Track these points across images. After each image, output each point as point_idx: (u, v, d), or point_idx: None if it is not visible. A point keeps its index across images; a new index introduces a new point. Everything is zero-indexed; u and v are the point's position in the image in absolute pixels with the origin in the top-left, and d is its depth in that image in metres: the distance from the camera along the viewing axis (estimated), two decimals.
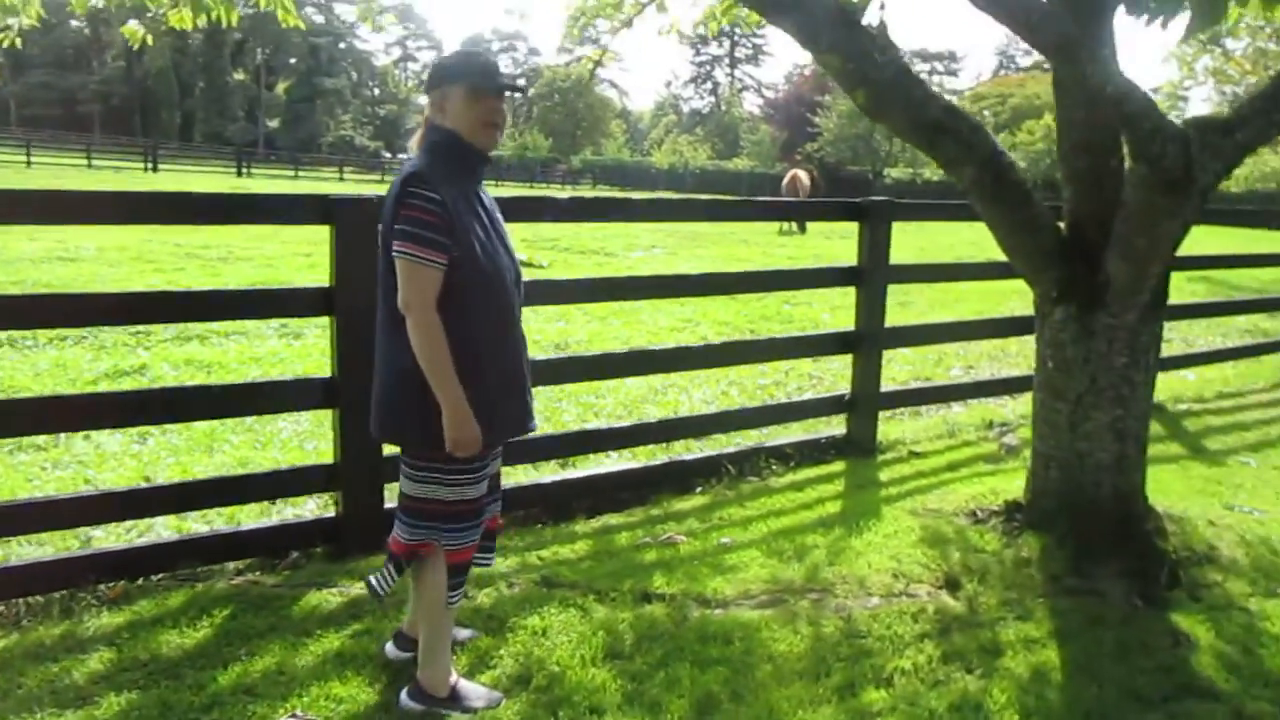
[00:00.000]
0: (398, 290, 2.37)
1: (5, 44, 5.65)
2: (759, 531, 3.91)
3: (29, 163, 34.93)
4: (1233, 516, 4.11)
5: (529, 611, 3.14)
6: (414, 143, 2.58)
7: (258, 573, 3.42)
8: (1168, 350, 8.36)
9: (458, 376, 2.38)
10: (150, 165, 38.52)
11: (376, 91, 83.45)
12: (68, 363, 6.49)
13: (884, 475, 4.68)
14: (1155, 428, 5.73)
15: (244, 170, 42.59)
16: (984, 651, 2.97)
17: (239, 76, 70.09)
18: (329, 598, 3.22)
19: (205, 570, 3.41)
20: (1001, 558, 3.56)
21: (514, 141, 68.36)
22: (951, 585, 3.39)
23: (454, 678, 2.66)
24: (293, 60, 74.15)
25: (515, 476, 4.43)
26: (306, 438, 5.11)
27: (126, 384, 6.17)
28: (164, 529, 3.81)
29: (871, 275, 4.83)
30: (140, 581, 3.31)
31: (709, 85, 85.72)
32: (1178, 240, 3.43)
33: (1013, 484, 4.18)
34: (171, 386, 5.31)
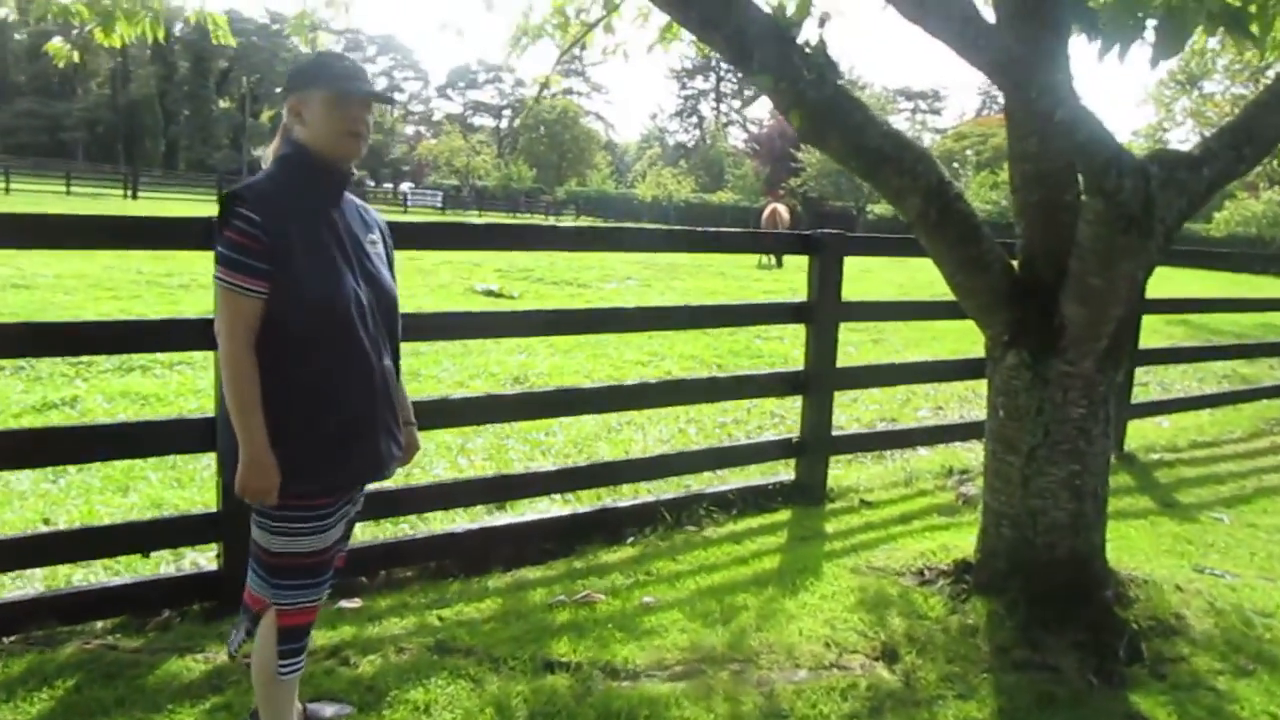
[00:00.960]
0: None
1: (62, 63, 5.51)
2: (686, 589, 3.59)
3: (7, 189, 34.58)
4: (1203, 580, 3.81)
5: (413, 683, 2.81)
6: (268, 154, 2.29)
7: (118, 635, 3.07)
8: (1142, 395, 8.17)
9: (281, 419, 2.11)
10: (130, 193, 38.18)
11: None
12: None
13: (830, 526, 4.36)
14: (1124, 479, 5.47)
15: None
16: None
17: (224, 104, 69.97)
18: (191, 665, 2.87)
19: (65, 631, 3.07)
20: (946, 625, 3.24)
21: (499, 172, 68.45)
22: (889, 656, 3.07)
23: None
24: (279, 89, 73.98)
25: (430, 524, 4.12)
26: None
27: (54, 417, 5.84)
28: (36, 583, 3.46)
29: (821, 312, 4.54)
30: None
31: (694, 119, 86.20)
32: (1139, 282, 3.17)
33: (966, 540, 3.87)
34: (38, 428, 4.95)
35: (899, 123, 75.90)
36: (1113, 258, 2.95)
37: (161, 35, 5.35)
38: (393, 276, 2.43)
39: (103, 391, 6.42)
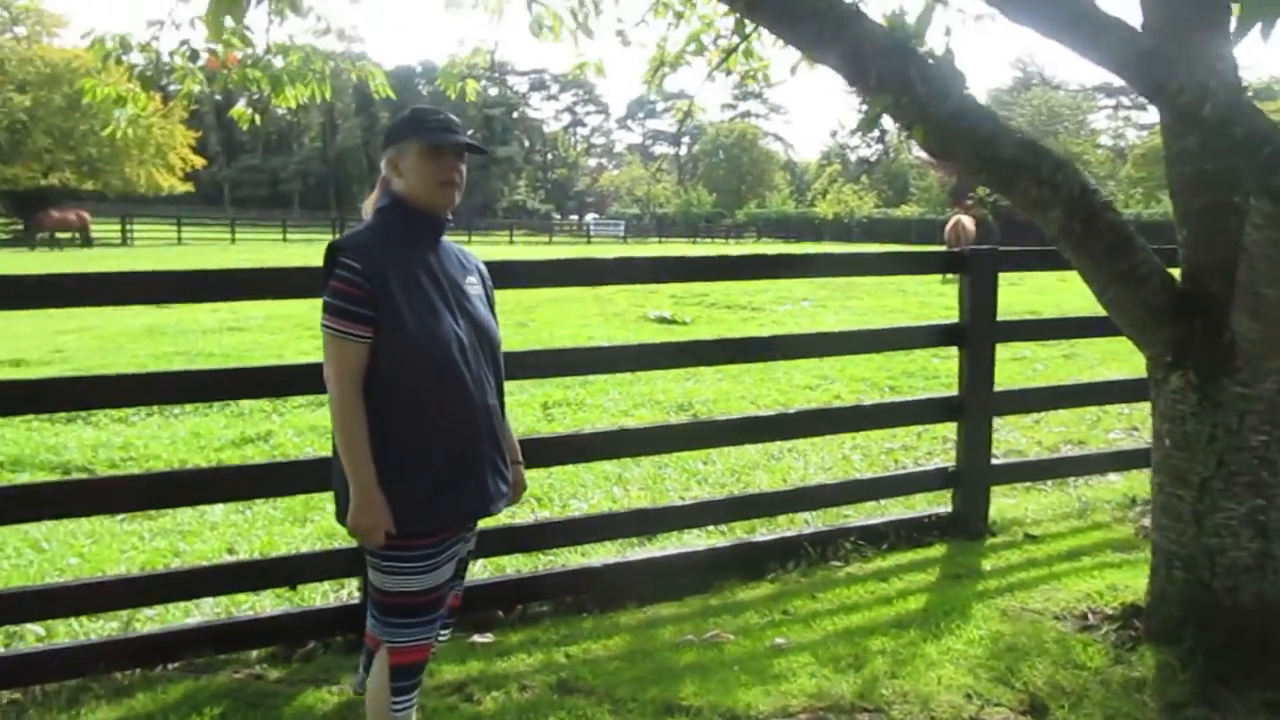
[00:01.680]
0: None
1: (245, 126, 6.08)
2: (822, 630, 3.42)
3: (233, 239, 38.15)
4: None
5: None
6: (367, 205, 2.40)
7: (266, 665, 3.23)
8: None
9: (388, 459, 2.19)
10: (339, 234, 41.20)
11: (548, 157, 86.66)
12: (202, 430, 6.71)
13: (987, 563, 4.07)
14: None
15: None
16: None
17: None
18: (326, 697, 2.98)
19: (222, 660, 3.27)
20: (1107, 677, 2.94)
21: (679, 198, 69.25)
22: (1037, 711, 2.81)
23: None
24: (470, 131, 78.02)
25: (564, 558, 4.14)
26: None
27: (249, 451, 6.31)
28: (197, 612, 3.71)
29: (974, 334, 4.26)
30: (161, 669, 3.19)
31: (876, 132, 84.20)
32: None
33: (1139, 579, 3.51)
34: (178, 470, 5.33)
35: (1099, 121, 71.56)
36: None
37: (328, 94, 5.71)
38: (493, 316, 2.48)
39: (294, 426, 6.87)
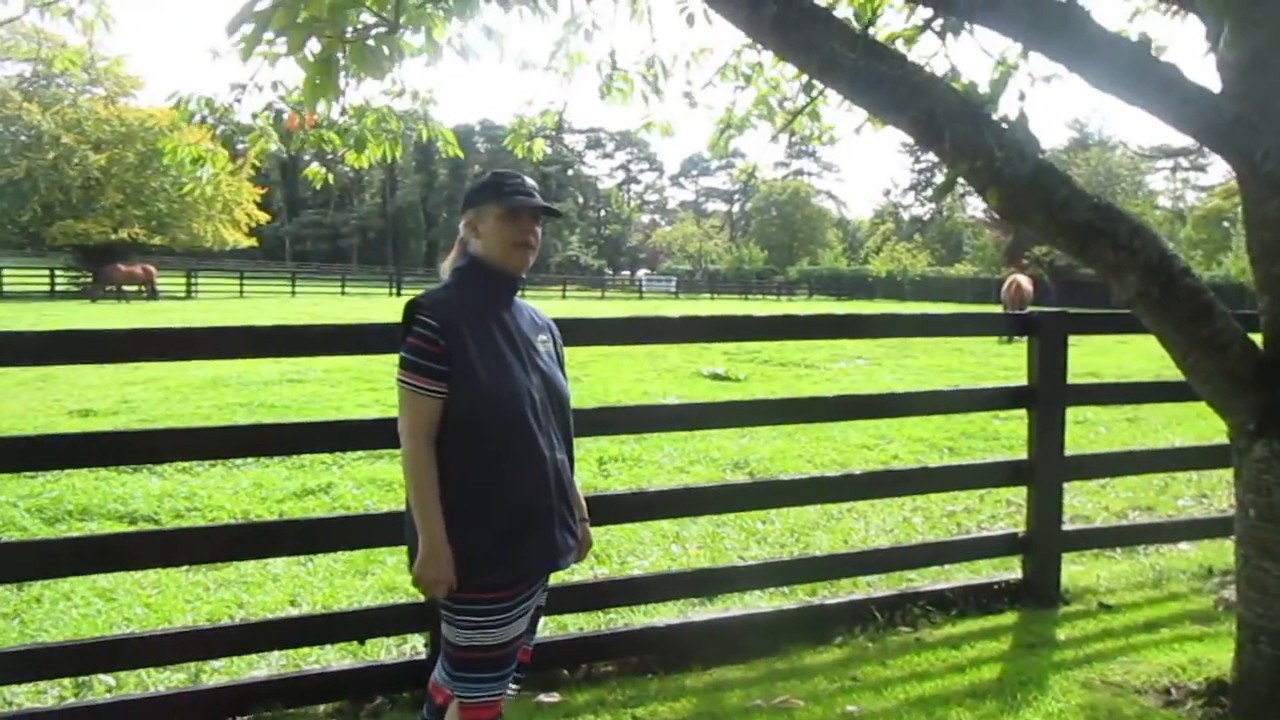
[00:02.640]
0: None
1: (319, 185, 6.27)
2: (894, 698, 3.36)
3: (293, 292, 39.04)
4: None
5: None
6: (446, 265, 2.47)
7: None
8: None
9: (458, 513, 2.23)
10: (395, 290, 42.04)
11: (602, 213, 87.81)
12: (265, 481, 6.82)
13: (1062, 633, 3.96)
14: None
15: None
16: None
17: None
18: None
19: (291, 713, 3.29)
20: None
21: (731, 255, 69.53)
22: None
23: None
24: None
25: (630, 618, 4.12)
26: None
27: (310, 503, 6.40)
28: (263, 665, 3.74)
29: (1045, 396, 4.21)
30: None
31: (929, 191, 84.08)
32: None
33: (1223, 654, 3.40)
34: (252, 522, 5.40)
35: (1156, 183, 70.81)
36: None
37: (399, 154, 5.87)
38: (563, 374, 2.53)
39: (354, 478, 6.95)
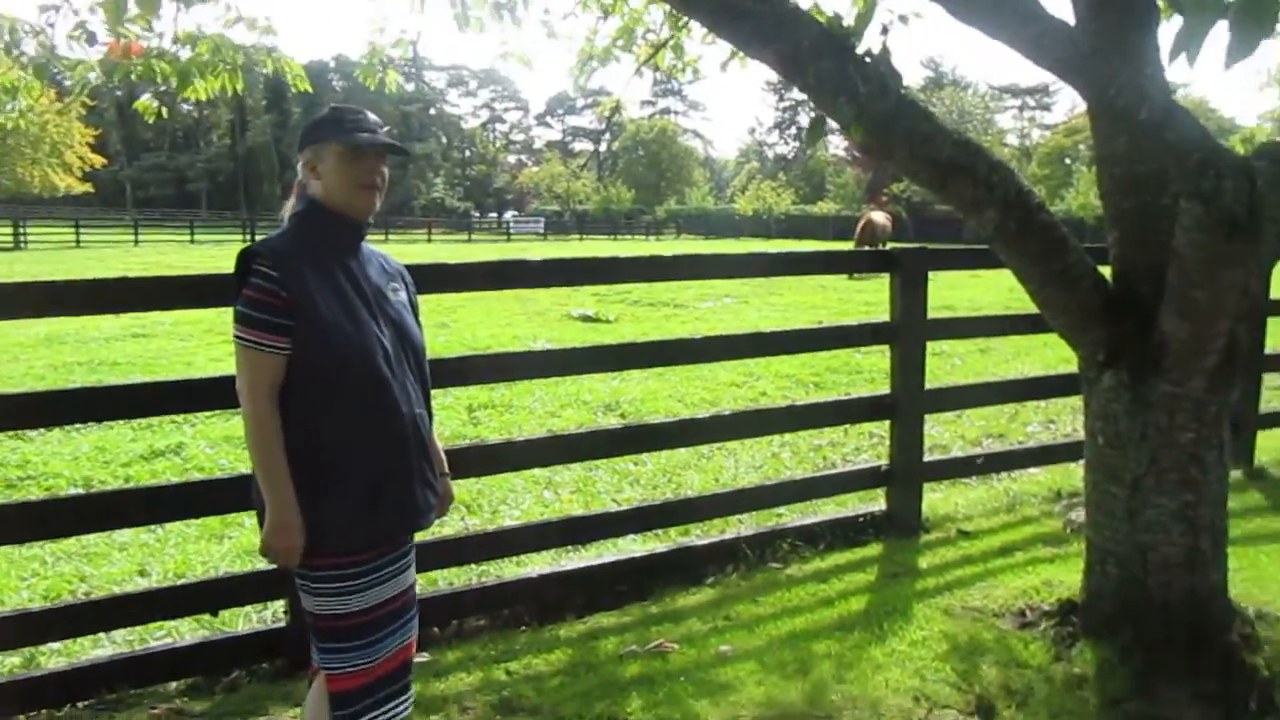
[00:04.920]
0: None
1: (151, 119, 5.72)
2: (766, 635, 3.39)
3: (136, 241, 36.64)
4: None
5: None
6: (286, 210, 2.27)
7: (187, 698, 3.06)
8: (1275, 402, 7.53)
9: (309, 476, 2.07)
10: (249, 236, 40.03)
11: (466, 153, 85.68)
12: (108, 444, 6.37)
13: (924, 561, 4.09)
14: (1253, 498, 5.01)
15: None
16: None
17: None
18: None
19: (137, 694, 3.07)
20: (1049, 675, 2.97)
21: (599, 195, 69.16)
22: (985, 712, 2.82)
23: None
24: (386, 128, 76.85)
25: (501, 570, 4.04)
26: None
27: (160, 465, 6.01)
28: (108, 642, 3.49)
29: (905, 333, 4.29)
30: (68, 709, 2.99)
31: (793, 130, 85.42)
32: (1254, 290, 2.84)
33: (1073, 575, 3.56)
34: (116, 490, 5.05)
35: (1005, 121, 73.76)
36: (1216, 267, 2.65)
37: (240, 87, 5.47)
38: (418, 323, 2.37)
39: (207, 437, 6.58)
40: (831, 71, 2.86)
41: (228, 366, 9.92)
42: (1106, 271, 3.13)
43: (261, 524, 2.18)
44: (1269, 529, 4.53)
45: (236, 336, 2.07)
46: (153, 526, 4.73)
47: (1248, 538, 4.27)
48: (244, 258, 2.10)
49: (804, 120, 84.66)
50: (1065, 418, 7.21)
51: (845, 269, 4.74)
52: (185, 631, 3.56)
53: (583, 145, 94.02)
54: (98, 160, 41.04)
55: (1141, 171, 2.95)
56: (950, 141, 2.94)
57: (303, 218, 2.19)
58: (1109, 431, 3.06)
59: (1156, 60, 2.86)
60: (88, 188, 40.45)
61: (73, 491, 5.37)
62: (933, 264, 4.34)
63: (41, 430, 6.63)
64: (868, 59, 2.92)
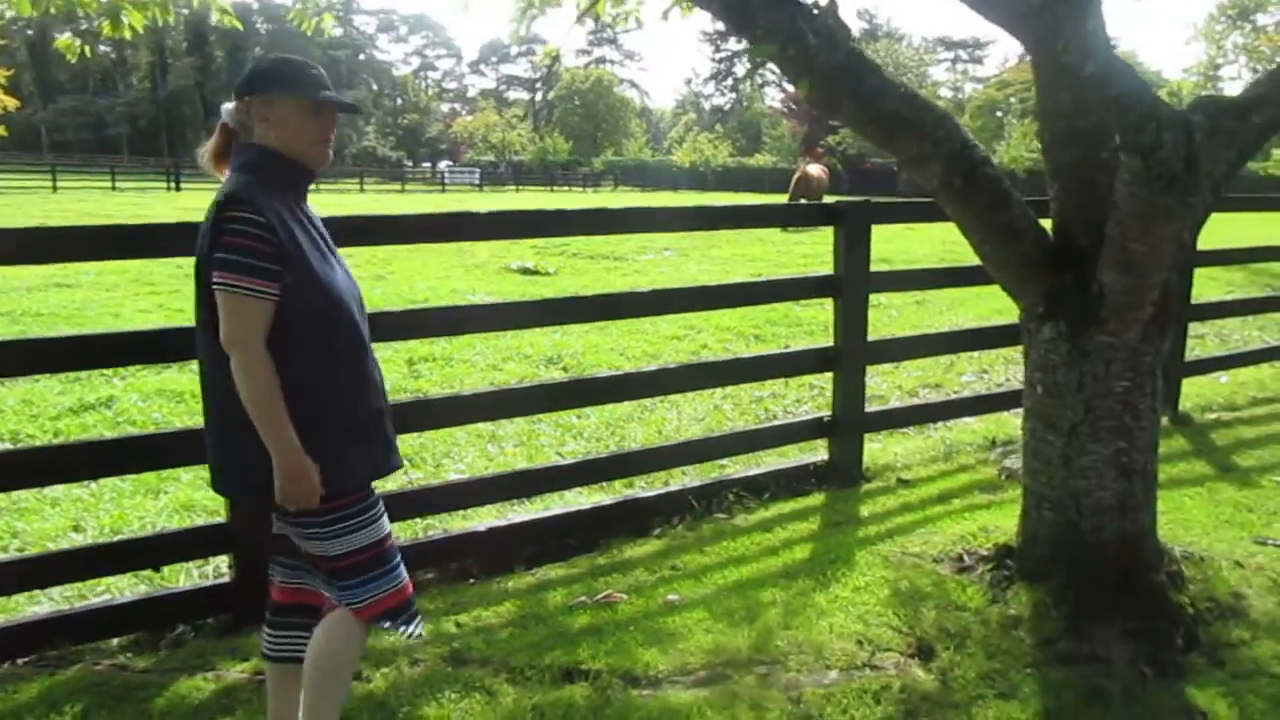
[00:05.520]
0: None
1: (73, 58, 5.42)
2: (713, 585, 3.45)
3: (54, 188, 35.10)
4: (1265, 553, 3.59)
5: (426, 698, 2.71)
6: (206, 155, 2.24)
7: (130, 654, 3.01)
8: (1201, 348, 7.81)
9: (304, 420, 2.08)
10: (174, 184, 38.62)
11: (398, 101, 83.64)
12: (35, 397, 6.16)
13: (865, 510, 4.18)
14: (1178, 443, 5.20)
15: None
16: None
17: None
18: (201, 685, 2.80)
19: (78, 651, 3.01)
20: (986, 617, 3.07)
21: (535, 145, 68.27)
22: (924, 654, 2.91)
23: None
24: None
25: (449, 523, 4.02)
26: None
27: (90, 419, 5.84)
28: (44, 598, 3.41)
29: (849, 285, 4.33)
30: (7, 666, 2.92)
31: (729, 81, 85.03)
32: (1186, 243, 2.93)
33: (1008, 520, 3.68)
34: (51, 445, 4.90)
35: (939, 74, 74.42)
36: (1154, 220, 2.72)
37: (170, 19, 5.22)
38: None
39: (139, 390, 6.40)
40: (781, 22, 2.84)
41: (157, 318, 9.64)
42: (1046, 224, 3.20)
43: (226, 478, 2.22)
44: (1193, 473, 4.72)
45: (226, 285, 2.02)
46: (86, 482, 4.62)
47: (1172, 481, 4.44)
48: (227, 204, 2.05)
49: (740, 71, 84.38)
50: (999, 368, 7.38)
51: (792, 222, 4.76)
52: (124, 588, 3.50)
53: (517, 94, 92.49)
54: (11, 103, 39.12)
55: (1082, 126, 2.99)
56: (898, 95, 2.95)
57: (259, 165, 2.15)
58: (1047, 381, 3.14)
59: (1099, 14, 2.90)
60: (0, 131, 38.58)
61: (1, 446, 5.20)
62: (875, 218, 4.38)
63: None
64: (815, 11, 2.91)
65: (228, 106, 2.23)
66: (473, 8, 5.28)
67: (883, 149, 3.12)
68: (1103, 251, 2.91)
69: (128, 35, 5.24)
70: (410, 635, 2.31)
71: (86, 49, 5.54)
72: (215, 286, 2.03)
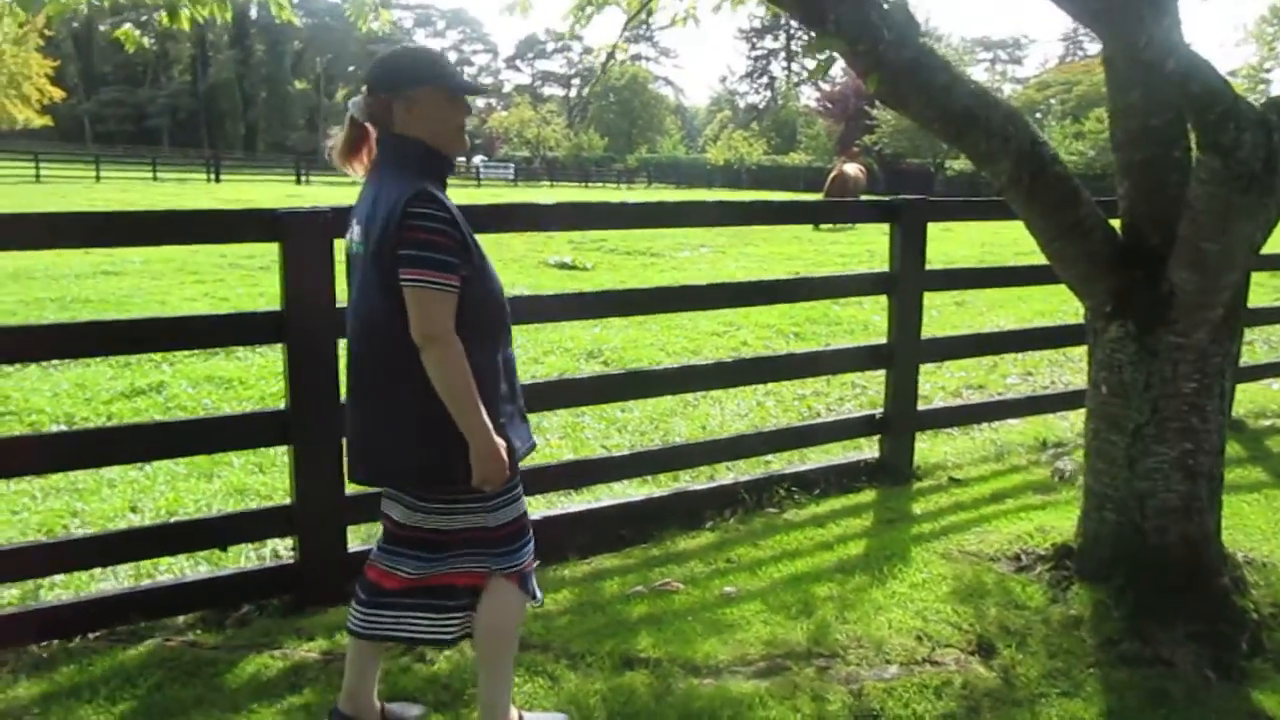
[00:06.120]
0: (405, 321, 2.13)
1: (132, 48, 5.51)
2: (768, 578, 3.45)
3: (98, 178, 35.62)
4: None
5: None
6: (336, 150, 2.31)
7: (199, 631, 3.06)
8: (1250, 355, 7.69)
9: (486, 404, 2.18)
10: (213, 175, 39.09)
11: None
12: (88, 381, 6.28)
13: (918, 508, 4.17)
14: (1234, 449, 5.13)
15: (303, 178, 42.85)
16: None
17: (300, 86, 71.20)
18: (269, 663, 2.85)
19: (147, 627, 3.08)
20: (1047, 616, 3.05)
21: (570, 142, 68.40)
22: (985, 651, 2.90)
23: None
24: (351, 68, 75.20)
25: None
26: None
27: (142, 403, 5.95)
28: (116, 578, 3.49)
29: (904, 282, 4.32)
30: (79, 640, 2.98)
31: (765, 79, 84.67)
32: (1257, 245, 2.90)
33: (1064, 521, 3.66)
34: (107, 427, 5.00)
35: (977, 74, 73.72)
36: (1229, 220, 2.69)
37: (229, 16, 5.31)
38: None
39: (188, 376, 6.51)
40: (853, 17, 2.84)
41: (203, 306, 9.75)
42: (1114, 224, 3.17)
43: (377, 461, 2.27)
44: (1250, 479, 4.67)
45: (422, 281, 2.09)
46: (140, 464, 4.71)
47: (1230, 487, 4.35)
48: (415, 200, 2.11)
49: (776, 70, 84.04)
50: (1043, 370, 7.32)
51: (851, 219, 4.75)
52: (185, 569, 3.57)
53: (553, 90, 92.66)
54: (57, 93, 39.76)
55: (1155, 124, 2.97)
56: (968, 91, 2.95)
57: (420, 161, 2.22)
58: (1113, 381, 3.12)
59: (1175, 12, 2.87)
60: (46, 121, 39.19)
61: (58, 428, 5.31)
62: (932, 215, 4.37)
63: (18, 364, 6.53)
64: (886, 5, 2.91)
65: (356, 100, 2.29)
66: (533, 8, 5.30)
67: (952, 145, 3.11)
68: (1175, 250, 2.89)
69: (186, 27, 5.33)
70: (539, 598, 2.48)
71: (145, 40, 5.63)
72: (406, 283, 2.10)
